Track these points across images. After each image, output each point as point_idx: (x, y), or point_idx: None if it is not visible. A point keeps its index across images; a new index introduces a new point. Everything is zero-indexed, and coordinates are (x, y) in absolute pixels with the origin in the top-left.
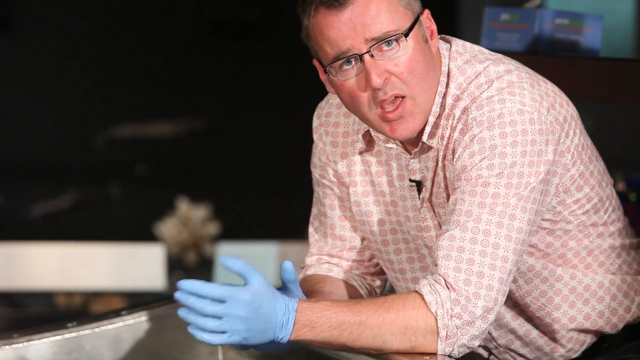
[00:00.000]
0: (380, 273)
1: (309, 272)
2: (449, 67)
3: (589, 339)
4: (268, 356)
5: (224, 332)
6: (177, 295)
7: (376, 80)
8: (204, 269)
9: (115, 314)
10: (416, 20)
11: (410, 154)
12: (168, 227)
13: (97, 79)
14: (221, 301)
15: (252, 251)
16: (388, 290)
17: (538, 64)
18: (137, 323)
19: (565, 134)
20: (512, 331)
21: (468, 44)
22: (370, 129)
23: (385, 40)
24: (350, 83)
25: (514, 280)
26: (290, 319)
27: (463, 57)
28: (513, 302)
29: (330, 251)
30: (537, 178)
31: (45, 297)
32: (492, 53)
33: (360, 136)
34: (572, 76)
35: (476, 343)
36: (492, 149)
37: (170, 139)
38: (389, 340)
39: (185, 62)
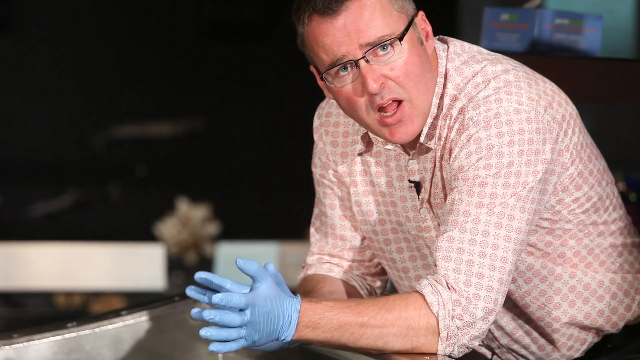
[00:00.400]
0: (381, 274)
1: (310, 271)
2: (446, 68)
3: (590, 338)
4: (268, 356)
5: (241, 339)
6: (205, 313)
7: (372, 85)
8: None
9: (115, 314)
10: (410, 23)
11: (409, 154)
12: (168, 227)
13: (97, 79)
14: (242, 310)
15: (252, 251)
16: (389, 290)
17: (538, 64)
18: (137, 323)
19: (564, 133)
20: (513, 332)
21: (466, 45)
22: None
23: (380, 45)
24: (347, 89)
25: (513, 280)
26: (294, 320)
27: (461, 58)
28: (513, 303)
29: (331, 251)
30: (535, 177)
31: (45, 297)
32: (491, 53)
33: (359, 137)
34: (572, 76)
35: (476, 343)
36: (488, 148)
37: (170, 139)
38: (391, 340)
39: (185, 62)
